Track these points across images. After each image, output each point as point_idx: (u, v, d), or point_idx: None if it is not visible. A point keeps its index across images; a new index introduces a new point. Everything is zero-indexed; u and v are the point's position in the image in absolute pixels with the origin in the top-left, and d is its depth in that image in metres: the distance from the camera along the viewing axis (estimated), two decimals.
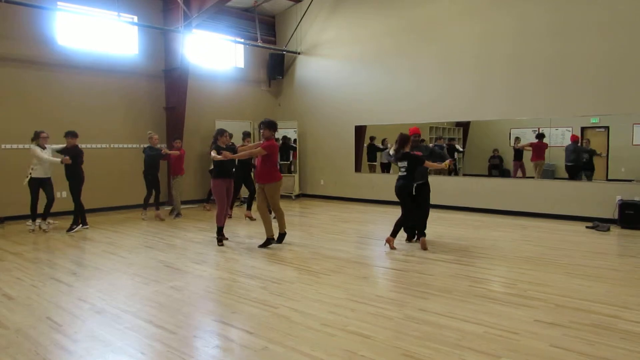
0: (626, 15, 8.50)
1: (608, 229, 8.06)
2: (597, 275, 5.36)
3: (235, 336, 3.74)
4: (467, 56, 10.47)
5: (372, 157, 12.64)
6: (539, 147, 10.15)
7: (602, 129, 10.05)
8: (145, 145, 9.77)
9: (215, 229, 7.18)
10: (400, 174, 6.66)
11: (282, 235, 7.03)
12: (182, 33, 10.99)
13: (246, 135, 9.98)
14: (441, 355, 3.32)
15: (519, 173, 10.55)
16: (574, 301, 4.44)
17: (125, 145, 11.01)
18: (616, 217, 8.41)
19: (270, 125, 6.77)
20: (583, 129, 10.40)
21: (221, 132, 7.20)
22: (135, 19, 11.03)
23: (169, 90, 11.62)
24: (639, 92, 8.41)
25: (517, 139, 10.57)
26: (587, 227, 8.35)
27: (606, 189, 8.91)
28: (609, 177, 9.40)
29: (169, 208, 10.67)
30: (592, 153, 9.50)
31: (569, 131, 10.63)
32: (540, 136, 10.14)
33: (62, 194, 9.54)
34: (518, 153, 10.56)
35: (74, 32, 10.30)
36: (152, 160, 9.51)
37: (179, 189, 10.10)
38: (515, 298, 4.57)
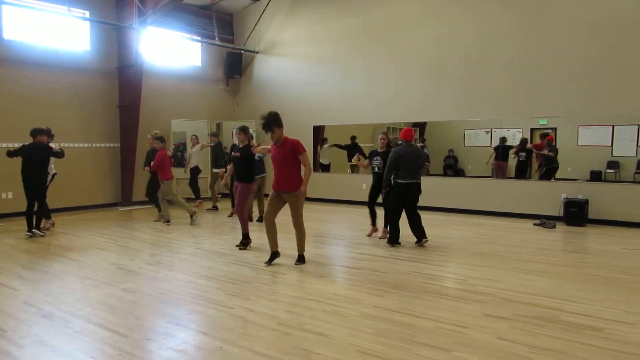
0: (577, 23, 8.93)
1: (554, 226, 8.43)
2: (543, 270, 5.60)
3: (189, 338, 3.70)
4: (423, 58, 10.71)
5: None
6: (540, 148, 10.27)
7: (550, 131, 10.51)
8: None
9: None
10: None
11: (301, 257, 5.95)
12: (137, 30, 10.74)
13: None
14: (394, 350, 3.39)
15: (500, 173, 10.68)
16: (520, 295, 4.63)
17: (76, 144, 10.65)
18: (562, 214, 8.80)
19: (280, 121, 5.70)
20: (532, 130, 10.85)
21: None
22: (87, 14, 10.67)
23: (123, 88, 11.32)
24: (584, 96, 8.85)
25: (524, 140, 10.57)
26: (534, 224, 8.70)
27: (553, 188, 9.32)
28: (555, 177, 9.85)
29: (121, 208, 10.37)
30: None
31: (520, 132, 11.07)
32: (544, 136, 10.24)
33: (8, 195, 9.18)
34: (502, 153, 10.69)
35: (22, 25, 9.88)
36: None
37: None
38: (466, 293, 4.72)
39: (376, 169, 7.34)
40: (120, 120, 11.39)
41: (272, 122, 5.54)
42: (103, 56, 11.12)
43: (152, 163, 8.76)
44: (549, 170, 9.88)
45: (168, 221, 8.93)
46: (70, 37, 10.66)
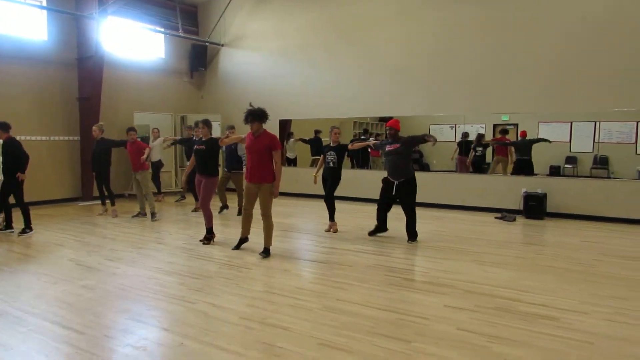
0: (538, 23, 9.15)
1: (514, 219, 8.65)
2: (503, 262, 5.74)
3: (149, 334, 3.63)
4: (389, 53, 10.78)
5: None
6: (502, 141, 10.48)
7: (512, 126, 10.80)
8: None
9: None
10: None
11: (266, 250, 5.99)
12: (97, 19, 10.42)
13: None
14: (356, 342, 3.42)
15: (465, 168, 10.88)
16: (480, 286, 4.73)
17: (32, 138, 10.25)
18: (521, 208, 9.04)
19: (263, 118, 5.87)
20: (495, 126, 11.11)
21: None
22: (44, 2, 10.29)
23: (83, 79, 10.96)
24: (544, 93, 9.09)
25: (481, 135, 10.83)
26: (495, 217, 8.91)
27: (513, 182, 9.55)
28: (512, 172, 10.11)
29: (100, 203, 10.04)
30: (545, 141, 9.85)
31: (483, 127, 11.32)
32: (504, 132, 10.46)
33: None
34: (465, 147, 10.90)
35: None
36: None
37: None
38: (428, 285, 4.80)
39: (331, 164, 7.28)
40: (80, 113, 11.03)
41: (262, 116, 5.84)
42: (61, 46, 10.74)
43: (145, 154, 8.64)
44: (522, 162, 10.05)
45: (153, 214, 8.70)
46: (27, 26, 10.25)
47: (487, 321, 3.83)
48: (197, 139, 6.95)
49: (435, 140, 6.69)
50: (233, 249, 6.27)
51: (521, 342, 3.44)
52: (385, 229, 7.12)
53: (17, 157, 7.28)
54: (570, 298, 4.41)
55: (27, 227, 7.41)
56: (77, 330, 3.66)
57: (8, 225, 7.55)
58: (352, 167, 12.24)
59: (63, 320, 3.87)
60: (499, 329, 3.66)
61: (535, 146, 9.94)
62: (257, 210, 6.08)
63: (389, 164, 6.82)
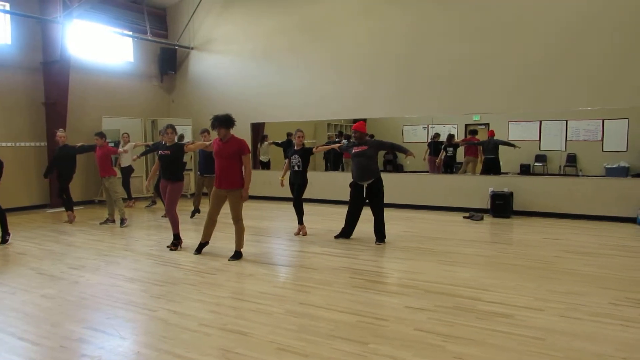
0: (508, 23, 9.32)
1: (481, 218, 8.80)
2: (466, 261, 5.84)
3: (106, 343, 3.59)
4: (360, 55, 10.85)
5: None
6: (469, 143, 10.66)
7: (483, 126, 10.99)
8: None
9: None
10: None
11: (237, 254, 6.04)
12: (62, 23, 10.25)
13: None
14: (313, 345, 3.44)
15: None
16: (441, 286, 4.80)
17: None
18: (489, 207, 9.19)
19: (229, 123, 5.89)
20: (467, 126, 11.31)
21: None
22: (7, 6, 10.08)
23: (49, 84, 10.77)
24: (513, 93, 9.25)
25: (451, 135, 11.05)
26: (464, 217, 9.04)
27: (482, 182, 9.70)
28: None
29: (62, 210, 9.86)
30: (511, 145, 10.11)
31: (455, 128, 11.51)
32: (473, 132, 10.62)
33: None
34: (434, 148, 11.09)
35: None
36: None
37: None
38: (391, 287, 4.86)
39: (296, 167, 7.27)
40: (47, 118, 10.84)
41: (228, 121, 5.85)
42: (26, 50, 10.54)
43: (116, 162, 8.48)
44: (488, 161, 10.19)
45: (120, 220, 8.58)
46: None
47: (445, 321, 3.89)
48: (164, 143, 6.90)
49: (414, 156, 6.90)
50: (194, 253, 6.25)
51: (475, 340, 3.51)
52: (349, 236, 7.13)
53: None
54: (527, 295, 4.51)
55: (6, 233, 7.26)
56: (33, 342, 3.61)
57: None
58: (326, 169, 12.31)
59: (18, 331, 3.81)
60: (455, 328, 3.73)
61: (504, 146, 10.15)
62: (223, 215, 6.06)
63: (355, 165, 6.86)
